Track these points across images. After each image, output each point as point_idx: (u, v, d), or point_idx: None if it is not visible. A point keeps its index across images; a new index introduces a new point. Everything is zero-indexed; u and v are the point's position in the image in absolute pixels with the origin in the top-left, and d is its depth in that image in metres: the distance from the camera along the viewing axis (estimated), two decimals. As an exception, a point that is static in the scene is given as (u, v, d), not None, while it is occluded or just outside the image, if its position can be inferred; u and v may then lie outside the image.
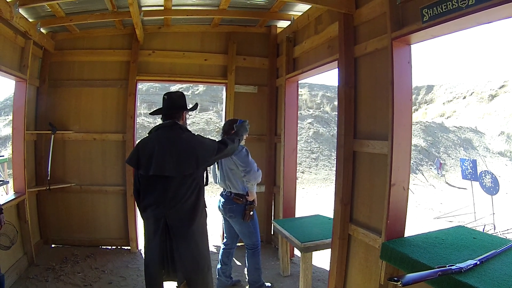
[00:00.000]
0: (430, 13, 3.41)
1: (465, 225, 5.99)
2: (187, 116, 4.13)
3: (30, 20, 6.22)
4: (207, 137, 4.31)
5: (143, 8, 6.45)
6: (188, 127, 4.18)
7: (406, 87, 4.00)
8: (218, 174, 5.51)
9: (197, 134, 4.07)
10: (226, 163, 5.27)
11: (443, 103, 38.12)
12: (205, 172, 4.01)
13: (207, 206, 4.03)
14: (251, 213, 5.27)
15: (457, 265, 2.94)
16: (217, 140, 4.21)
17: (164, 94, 4.13)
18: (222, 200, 5.38)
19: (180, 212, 3.73)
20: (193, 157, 3.69)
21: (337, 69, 5.01)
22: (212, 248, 7.46)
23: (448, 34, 3.69)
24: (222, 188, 5.56)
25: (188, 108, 4.17)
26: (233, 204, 5.24)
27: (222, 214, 5.53)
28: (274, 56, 7.72)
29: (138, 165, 3.90)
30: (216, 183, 5.65)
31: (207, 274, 3.88)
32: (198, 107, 4.59)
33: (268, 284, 5.68)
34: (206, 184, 3.98)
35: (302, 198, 14.52)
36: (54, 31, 7.06)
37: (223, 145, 3.88)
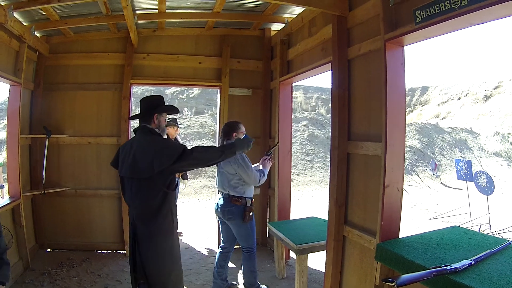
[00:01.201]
0: (423, 14, 3.42)
1: (461, 225, 6.00)
2: (162, 118, 4.07)
3: (25, 23, 6.22)
4: (200, 142, 4.27)
5: (137, 12, 6.46)
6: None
7: (399, 88, 4.01)
8: (217, 177, 5.51)
9: (165, 139, 4.11)
10: (225, 167, 5.26)
11: (438, 104, 38.14)
12: (174, 177, 3.98)
13: (174, 211, 4.00)
14: (251, 214, 5.29)
15: (452, 265, 2.94)
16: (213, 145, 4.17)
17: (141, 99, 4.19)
18: (221, 202, 5.35)
19: (141, 213, 3.79)
20: (148, 160, 3.68)
21: (330, 71, 5.02)
22: (204, 252, 7.48)
23: (441, 35, 3.71)
24: (218, 193, 5.58)
25: (165, 110, 4.16)
26: (232, 206, 5.22)
27: (220, 216, 5.49)
28: (268, 58, 7.75)
29: (117, 166, 4.13)
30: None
31: (168, 279, 3.85)
32: (179, 110, 4.51)
33: (264, 286, 5.67)
34: (173, 189, 3.93)
35: (298, 200, 14.52)
36: (48, 34, 7.05)
37: (189, 152, 3.73)
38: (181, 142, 7.95)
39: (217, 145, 4.73)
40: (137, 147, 3.83)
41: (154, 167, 3.64)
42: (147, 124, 3.99)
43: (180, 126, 16.36)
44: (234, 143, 4.16)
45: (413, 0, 3.67)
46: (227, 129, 5.34)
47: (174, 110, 4.36)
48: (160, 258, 3.81)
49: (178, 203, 9.67)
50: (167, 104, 4.28)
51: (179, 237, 8.24)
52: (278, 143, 6.26)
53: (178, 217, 4.17)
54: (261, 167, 5.49)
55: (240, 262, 5.59)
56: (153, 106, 4.03)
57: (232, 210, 5.22)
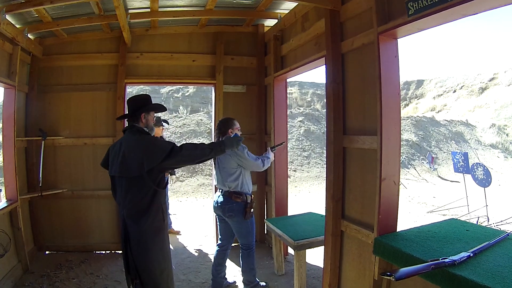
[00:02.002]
0: (416, 6, 3.41)
1: (459, 218, 6.00)
2: (149, 117, 4.12)
3: (18, 26, 6.20)
4: (196, 140, 4.29)
5: (130, 11, 6.45)
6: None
7: (393, 81, 4.00)
8: (216, 174, 5.51)
9: (153, 137, 4.11)
10: (225, 163, 5.28)
11: (434, 98, 38.19)
12: (164, 175, 4.03)
13: (165, 209, 4.04)
14: (251, 210, 5.29)
15: (450, 257, 2.94)
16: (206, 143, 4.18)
17: (128, 99, 4.24)
18: (220, 200, 5.33)
19: (131, 212, 3.82)
20: (138, 159, 3.72)
21: (324, 66, 5.01)
22: (203, 250, 7.50)
23: (435, 26, 3.70)
24: (216, 190, 5.58)
25: (151, 109, 4.19)
26: (233, 203, 5.21)
27: (219, 214, 5.46)
28: (262, 55, 7.75)
29: (107, 166, 4.26)
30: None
31: (160, 278, 3.88)
32: (166, 108, 4.53)
33: (262, 283, 5.68)
34: (164, 187, 3.99)
35: (295, 196, 14.53)
36: (41, 36, 7.04)
37: (178, 149, 3.78)
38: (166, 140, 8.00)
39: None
40: (126, 147, 3.87)
41: (144, 165, 3.68)
42: (135, 124, 4.03)
43: (176, 125, 16.37)
44: (224, 140, 4.20)
45: (405, -8, 3.66)
46: (222, 126, 5.35)
47: (160, 108, 4.40)
48: (152, 257, 3.85)
49: (175, 201, 9.70)
50: (155, 102, 4.31)
51: (178, 236, 8.26)
52: (283, 142, 6.26)
53: (169, 215, 4.17)
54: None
55: (239, 259, 5.59)
56: (140, 106, 4.07)
57: (232, 207, 5.21)
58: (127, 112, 4.17)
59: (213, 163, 5.65)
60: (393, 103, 3.98)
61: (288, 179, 7.44)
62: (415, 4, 3.41)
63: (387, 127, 3.91)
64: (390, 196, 3.98)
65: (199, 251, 7.51)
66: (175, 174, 9.20)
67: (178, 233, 8.71)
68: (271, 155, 5.64)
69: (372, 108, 4.12)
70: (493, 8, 3.12)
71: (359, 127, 4.50)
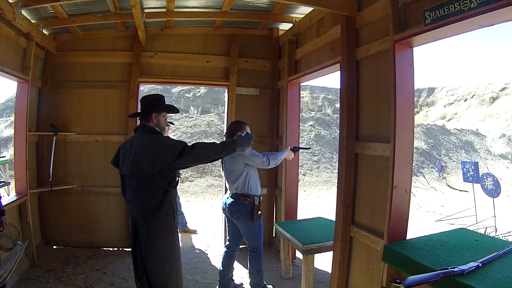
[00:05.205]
0: (433, 15, 3.41)
1: (467, 228, 5.98)
2: (160, 118, 4.09)
3: (33, 21, 6.25)
4: (206, 140, 4.29)
5: (146, 10, 6.48)
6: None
7: (408, 89, 4.00)
8: (224, 176, 5.52)
9: (165, 136, 4.09)
10: (232, 165, 5.29)
11: (444, 106, 37.95)
12: (175, 174, 4.03)
13: (175, 209, 4.03)
14: (259, 213, 5.29)
15: (459, 267, 2.95)
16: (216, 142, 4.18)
17: (141, 98, 4.24)
18: (229, 201, 5.35)
19: (142, 211, 3.82)
20: (149, 158, 3.72)
21: (339, 71, 5.01)
22: (211, 251, 7.51)
23: (450, 36, 3.70)
24: (226, 191, 5.59)
25: (163, 109, 4.17)
26: (240, 205, 5.22)
27: (227, 215, 5.49)
28: (276, 58, 7.75)
29: (117, 165, 4.24)
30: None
31: (169, 277, 3.88)
32: (178, 110, 4.54)
33: (269, 286, 5.65)
34: (174, 186, 3.99)
35: (304, 200, 14.52)
36: (56, 32, 7.08)
37: (189, 149, 3.77)
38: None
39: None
40: (137, 146, 3.87)
41: (155, 165, 3.68)
42: (147, 123, 4.03)
43: (186, 125, 16.37)
44: (235, 139, 4.20)
45: (422, 1, 3.66)
46: (233, 128, 5.36)
47: (172, 109, 4.38)
48: (162, 256, 3.85)
49: (184, 201, 9.70)
50: (168, 104, 4.31)
51: (195, 234, 8.32)
52: (309, 148, 6.27)
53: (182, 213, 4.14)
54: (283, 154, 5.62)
55: (246, 261, 5.59)
56: (151, 106, 4.07)
57: (240, 209, 5.22)
58: (139, 111, 4.17)
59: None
60: (406, 111, 3.98)
61: (298, 183, 7.43)
62: (432, 13, 3.41)
63: (400, 135, 3.91)
64: (401, 204, 3.97)
65: (207, 251, 7.51)
66: (179, 176, 9.28)
67: (194, 232, 8.80)
68: (285, 154, 5.64)
69: (386, 116, 4.12)
70: (509, 20, 3.12)
71: (372, 134, 4.50)
